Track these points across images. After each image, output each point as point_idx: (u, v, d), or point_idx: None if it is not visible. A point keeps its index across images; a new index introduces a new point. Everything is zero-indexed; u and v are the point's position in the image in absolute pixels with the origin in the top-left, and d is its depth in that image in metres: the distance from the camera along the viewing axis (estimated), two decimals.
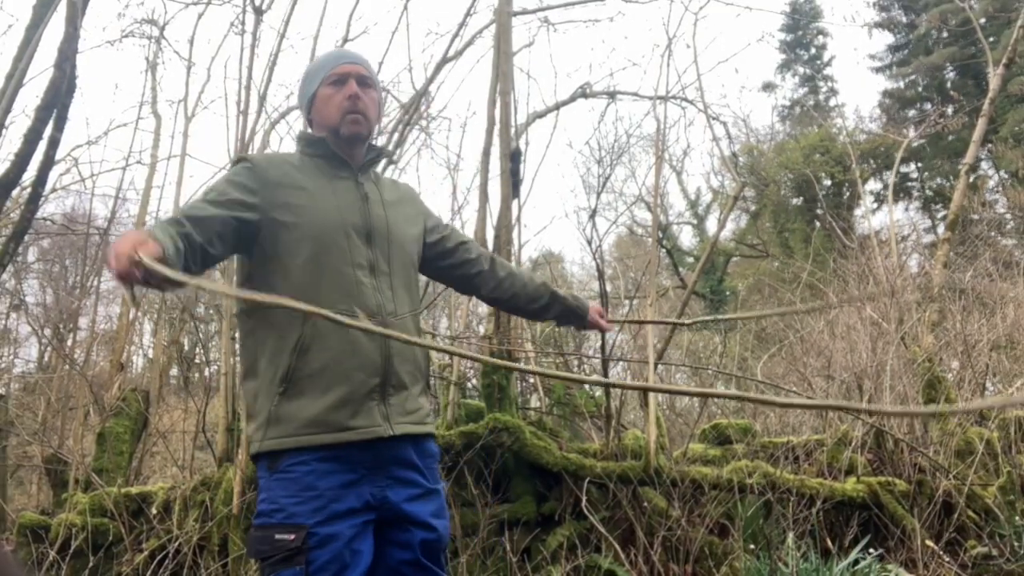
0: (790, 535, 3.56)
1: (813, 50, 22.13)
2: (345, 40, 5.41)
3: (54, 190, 8.11)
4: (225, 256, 1.72)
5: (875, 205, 18.54)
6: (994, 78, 7.60)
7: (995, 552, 3.72)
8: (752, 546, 3.68)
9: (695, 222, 21.14)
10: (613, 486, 3.79)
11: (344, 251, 1.72)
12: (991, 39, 14.45)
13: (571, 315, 2.20)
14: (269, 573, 1.59)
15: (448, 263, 2.03)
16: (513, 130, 4.73)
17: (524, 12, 6.58)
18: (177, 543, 3.95)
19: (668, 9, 10.08)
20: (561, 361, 6.02)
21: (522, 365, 4.97)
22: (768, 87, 22.03)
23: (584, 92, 6.75)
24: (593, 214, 4.87)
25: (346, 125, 1.82)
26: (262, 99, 5.14)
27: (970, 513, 3.94)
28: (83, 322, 8.52)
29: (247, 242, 1.71)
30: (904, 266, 7.47)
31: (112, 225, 7.64)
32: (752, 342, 8.77)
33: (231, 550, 3.89)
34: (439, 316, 9.39)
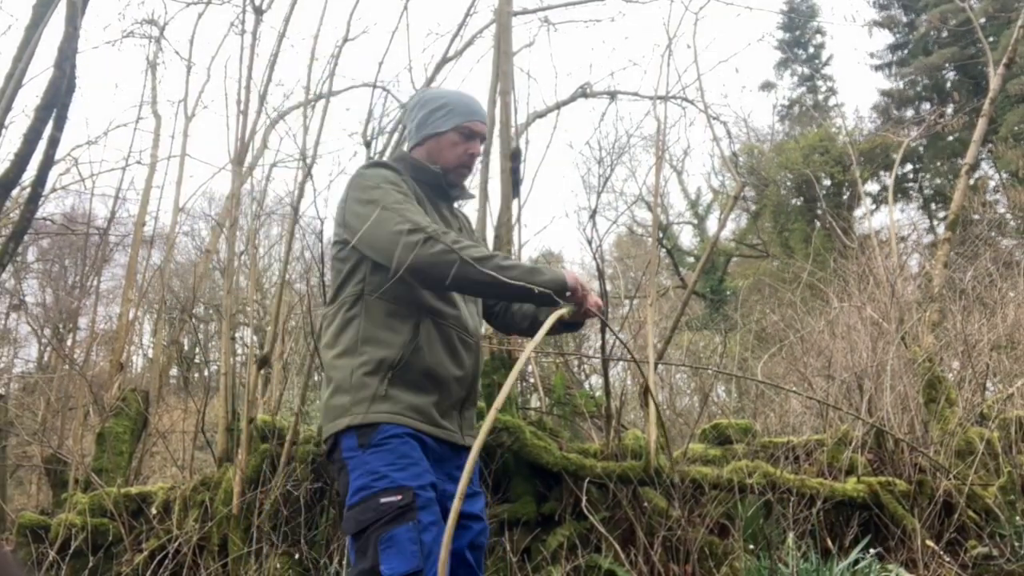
0: (790, 535, 3.56)
1: (812, 49, 22.12)
2: (345, 40, 5.40)
3: (54, 190, 8.11)
4: None
5: (875, 206, 18.55)
6: (994, 78, 7.60)
7: (996, 552, 3.72)
8: (752, 546, 3.67)
9: (695, 222, 21.14)
10: (613, 486, 3.78)
11: None
12: (991, 39, 14.45)
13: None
14: (378, 535, 1.64)
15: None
16: (513, 130, 4.73)
17: (524, 12, 6.59)
18: (177, 543, 3.95)
19: (668, 9, 10.08)
20: (561, 361, 6.02)
21: None
22: (767, 86, 22.03)
23: (584, 92, 6.75)
24: (593, 214, 4.86)
25: (457, 175, 2.07)
26: (262, 99, 5.14)
27: (970, 513, 3.93)
28: (83, 322, 8.53)
29: None
30: (904, 266, 7.47)
31: (112, 225, 7.64)
32: (752, 342, 8.76)
33: (231, 550, 3.88)
34: None
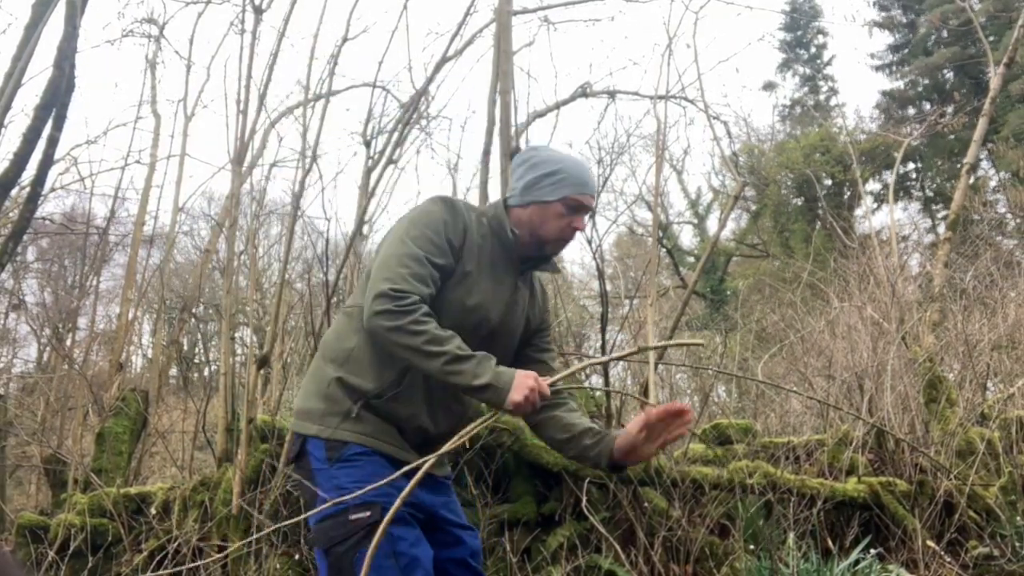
0: (791, 535, 3.56)
1: (813, 49, 22.13)
2: (345, 39, 5.40)
3: (53, 189, 8.11)
4: None
5: (875, 205, 18.54)
6: (995, 78, 7.59)
7: (996, 552, 3.71)
8: (752, 546, 3.67)
9: (695, 222, 21.14)
10: (613, 486, 3.78)
11: (468, 332, 1.78)
12: (992, 39, 14.44)
13: (612, 460, 1.90)
14: (352, 554, 1.64)
15: (527, 352, 2.06)
16: (513, 129, 4.72)
17: (524, 11, 6.58)
18: (176, 543, 3.94)
19: (668, 8, 10.07)
20: (562, 361, 6.02)
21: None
22: (768, 86, 22.04)
23: (584, 91, 6.74)
24: (593, 213, 4.84)
25: (555, 247, 1.95)
26: (262, 98, 5.14)
27: (971, 513, 3.93)
28: (82, 322, 8.52)
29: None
30: (905, 266, 7.46)
31: (111, 225, 7.63)
32: (753, 342, 8.76)
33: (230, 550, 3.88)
34: None
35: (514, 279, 1.95)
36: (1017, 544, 3.67)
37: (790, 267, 14.50)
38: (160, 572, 3.61)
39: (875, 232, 9.08)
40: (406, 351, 1.68)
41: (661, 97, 5.27)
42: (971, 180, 9.37)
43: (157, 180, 7.74)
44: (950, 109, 13.17)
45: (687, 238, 21.54)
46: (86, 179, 8.02)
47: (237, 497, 3.92)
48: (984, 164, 17.25)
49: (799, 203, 18.58)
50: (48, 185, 7.13)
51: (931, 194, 19.42)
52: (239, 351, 12.26)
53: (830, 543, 3.77)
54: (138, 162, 7.54)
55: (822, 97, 21.92)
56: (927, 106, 18.55)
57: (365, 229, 6.08)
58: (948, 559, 3.66)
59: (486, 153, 4.85)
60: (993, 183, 17.53)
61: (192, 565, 3.67)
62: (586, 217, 1.97)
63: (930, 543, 3.72)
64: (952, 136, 16.64)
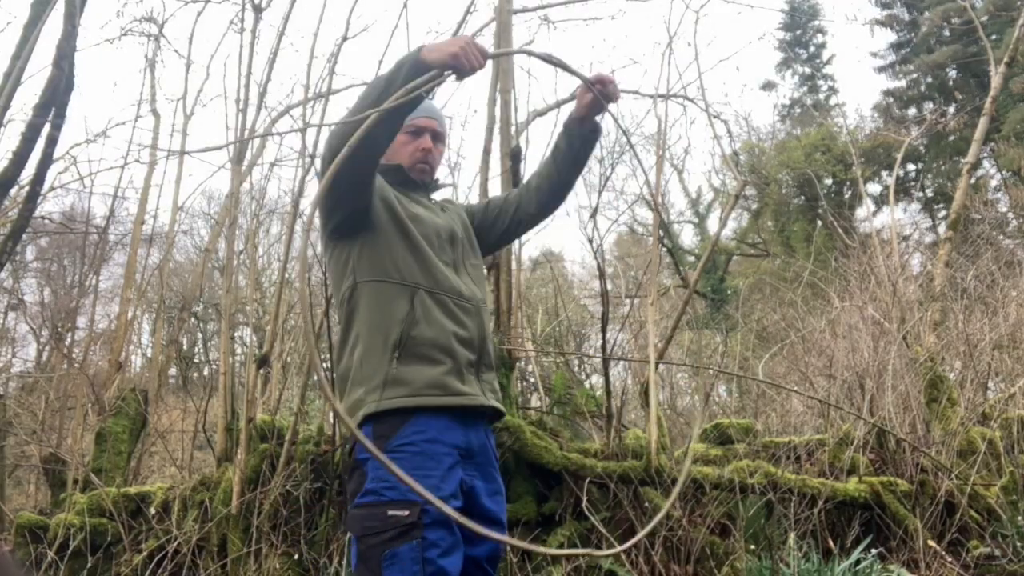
0: (791, 535, 3.55)
1: (813, 48, 22.10)
2: (344, 38, 5.38)
3: (52, 188, 8.09)
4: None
5: (875, 206, 18.52)
6: (996, 76, 7.57)
7: (998, 552, 3.71)
8: (753, 546, 3.66)
9: (696, 221, 21.12)
10: (614, 486, 3.77)
11: (436, 250, 1.94)
12: (993, 37, 14.42)
13: (576, 123, 2.05)
14: (382, 550, 1.64)
15: (497, 227, 2.18)
16: (514, 128, 4.70)
17: (524, 10, 6.55)
18: (176, 543, 3.94)
19: (669, 7, 10.05)
20: (562, 361, 6.01)
21: None
22: (768, 85, 22.01)
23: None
24: (594, 213, 4.84)
25: (415, 172, 2.06)
26: (261, 97, 5.13)
27: (972, 513, 3.92)
28: (81, 321, 8.51)
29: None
30: (906, 265, 7.45)
31: (110, 224, 7.62)
32: (754, 341, 8.75)
33: (230, 550, 3.87)
34: None
35: (435, 205, 2.10)
36: (1018, 544, 3.66)
37: (791, 266, 14.49)
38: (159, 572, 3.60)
39: (876, 231, 9.08)
40: (352, 145, 1.56)
41: (662, 96, 5.25)
42: (972, 179, 9.37)
43: (157, 179, 7.73)
44: (951, 109, 13.16)
45: (688, 237, 21.55)
46: (85, 178, 8.01)
47: (237, 497, 3.92)
48: (985, 163, 17.23)
49: (800, 202, 18.57)
50: (47, 184, 7.12)
51: (932, 193, 19.40)
52: (239, 350, 12.27)
53: (831, 543, 3.76)
54: (138, 161, 7.52)
55: (821, 96, 21.89)
56: (929, 105, 18.53)
57: None
58: (949, 559, 3.65)
59: (486, 152, 4.83)
60: (994, 182, 17.52)
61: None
62: (431, 138, 2.05)
63: (931, 543, 3.71)
64: (953, 135, 16.62)
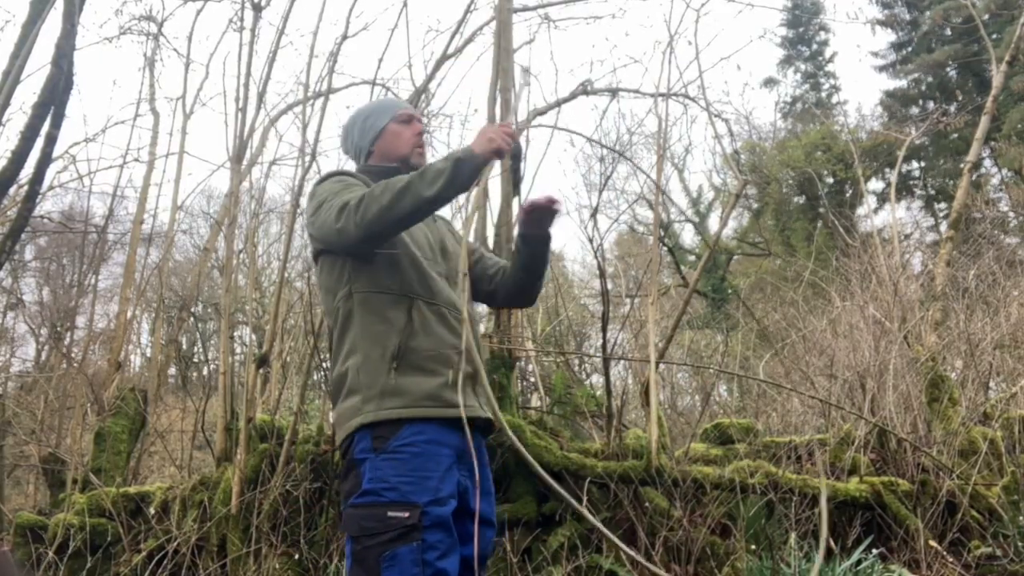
0: (792, 535, 3.54)
1: (815, 46, 22.06)
2: (344, 37, 5.37)
3: (51, 188, 8.07)
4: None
5: (877, 205, 18.51)
6: (997, 75, 7.55)
7: (999, 552, 3.70)
8: (754, 546, 3.65)
9: (697, 220, 21.10)
10: (614, 486, 3.76)
11: (430, 262, 1.98)
12: (994, 36, 14.40)
13: (525, 240, 2.10)
14: (380, 551, 1.64)
15: (483, 283, 2.21)
16: (514, 127, 4.69)
17: (525, 9, 6.55)
18: (175, 543, 3.93)
19: (670, 6, 10.02)
20: (562, 360, 6.00)
21: None
22: (769, 83, 21.97)
23: (585, 89, 6.70)
24: (595, 212, 4.82)
25: (416, 156, 2.11)
26: (261, 96, 5.12)
27: (974, 513, 3.91)
28: (80, 321, 8.51)
29: None
30: (907, 265, 7.44)
31: (110, 223, 7.62)
32: (754, 341, 8.74)
33: (230, 550, 3.86)
34: None
35: None
36: (1020, 544, 3.65)
37: (792, 266, 14.47)
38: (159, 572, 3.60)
39: (877, 231, 9.07)
40: (385, 218, 1.73)
41: (663, 95, 5.23)
42: (973, 178, 9.35)
43: (156, 178, 7.74)
44: (952, 107, 13.14)
45: (688, 237, 21.51)
46: (84, 177, 8.00)
47: (236, 497, 3.91)
48: (986, 162, 17.21)
49: (801, 201, 18.55)
50: (46, 183, 7.11)
51: (933, 192, 19.37)
52: (238, 350, 12.26)
53: (832, 543, 3.75)
54: (137, 160, 7.52)
55: (823, 94, 21.86)
56: (930, 104, 18.51)
57: None
58: (950, 559, 3.64)
59: None
60: (995, 181, 17.49)
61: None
62: (418, 123, 2.13)
63: (932, 543, 3.70)
64: (954, 134, 16.61)
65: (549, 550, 3.62)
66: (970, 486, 3.92)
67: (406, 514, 1.65)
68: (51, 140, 3.60)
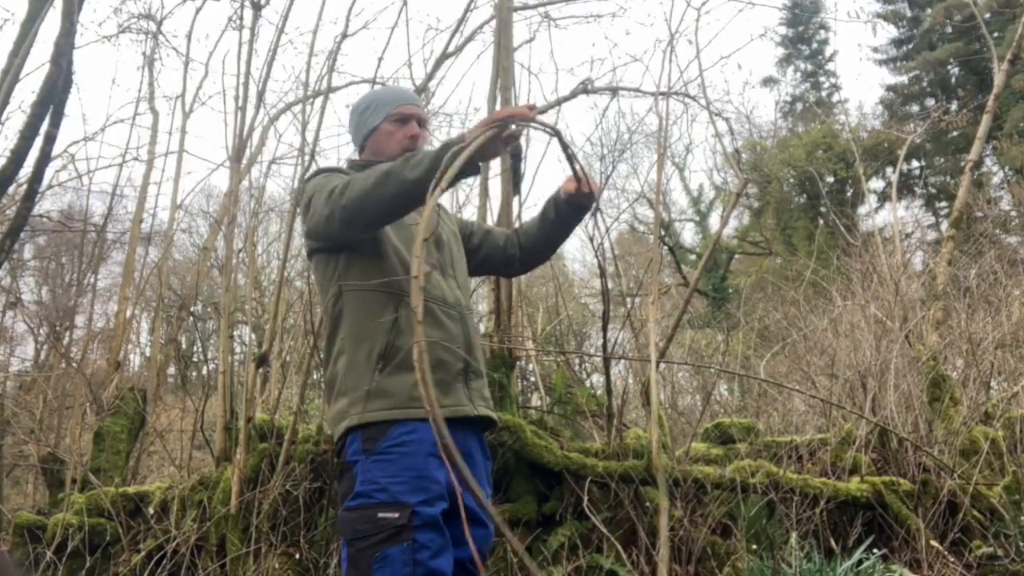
0: (793, 535, 3.53)
1: (815, 45, 22.04)
2: (344, 36, 5.36)
3: (50, 187, 8.07)
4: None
5: (878, 204, 18.49)
6: (998, 74, 7.53)
7: (1000, 552, 3.68)
8: (755, 546, 3.64)
9: (697, 219, 21.08)
10: (615, 486, 3.75)
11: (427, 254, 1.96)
12: (996, 35, 14.37)
13: (559, 204, 2.17)
14: (372, 553, 1.64)
15: (483, 256, 2.22)
16: (514, 126, 4.68)
17: (525, 7, 6.53)
18: (175, 543, 3.92)
19: (670, 4, 10.01)
20: (562, 360, 5.99)
21: None
22: (769, 81, 21.94)
23: (586, 88, 6.68)
24: (595, 211, 4.80)
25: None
26: (260, 95, 5.11)
27: (975, 513, 3.90)
28: (80, 320, 8.50)
29: None
30: (908, 264, 7.42)
31: (109, 222, 7.61)
32: (755, 340, 8.72)
33: (229, 550, 3.85)
34: None
35: None
36: (1021, 544, 3.64)
37: (792, 265, 14.46)
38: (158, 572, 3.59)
39: (878, 230, 9.05)
40: (371, 198, 1.70)
41: (663, 94, 5.22)
42: (974, 177, 9.33)
43: (155, 177, 7.72)
44: (953, 106, 13.12)
45: (689, 236, 21.51)
46: (84, 176, 7.99)
47: (236, 497, 3.90)
48: (988, 161, 17.18)
49: (801, 200, 18.53)
50: (45, 182, 7.10)
51: (934, 191, 19.35)
52: (238, 349, 12.25)
53: (833, 543, 3.74)
54: (136, 159, 7.51)
55: (823, 93, 21.84)
56: (931, 103, 18.49)
57: None
58: (952, 559, 3.63)
59: None
60: (997, 180, 17.47)
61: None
62: (417, 124, 2.07)
63: (934, 543, 3.69)
64: (956, 133, 16.58)
65: (549, 550, 3.61)
66: (971, 486, 3.91)
67: (396, 515, 1.65)
68: (50, 139, 3.59)
